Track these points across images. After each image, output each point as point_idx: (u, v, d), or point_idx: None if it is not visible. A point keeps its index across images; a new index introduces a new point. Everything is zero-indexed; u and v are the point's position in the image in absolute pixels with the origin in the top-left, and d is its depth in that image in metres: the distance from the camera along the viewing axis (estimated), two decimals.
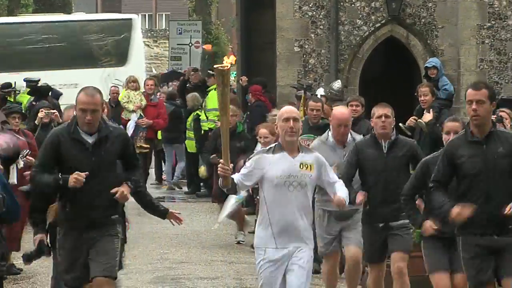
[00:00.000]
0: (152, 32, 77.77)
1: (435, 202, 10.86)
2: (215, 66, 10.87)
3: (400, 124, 19.08)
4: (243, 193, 17.28)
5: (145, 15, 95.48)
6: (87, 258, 10.79)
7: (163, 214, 11.76)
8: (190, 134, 28.88)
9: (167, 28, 59.56)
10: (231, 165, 10.52)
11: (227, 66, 10.60)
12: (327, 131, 14.10)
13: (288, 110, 11.10)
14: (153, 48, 72.08)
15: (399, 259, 12.92)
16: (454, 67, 29.05)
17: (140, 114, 26.86)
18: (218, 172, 10.48)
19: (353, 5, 29.87)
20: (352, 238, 13.97)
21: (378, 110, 12.39)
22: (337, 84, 25.66)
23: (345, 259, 14.14)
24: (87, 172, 10.46)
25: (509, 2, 29.38)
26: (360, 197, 12.05)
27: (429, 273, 11.77)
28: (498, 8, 29.14)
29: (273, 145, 11.12)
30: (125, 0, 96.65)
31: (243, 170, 10.89)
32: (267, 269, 10.74)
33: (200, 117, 28.97)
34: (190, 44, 42.95)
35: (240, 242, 20.73)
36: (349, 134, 13.61)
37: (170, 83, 36.81)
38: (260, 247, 10.84)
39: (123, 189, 10.65)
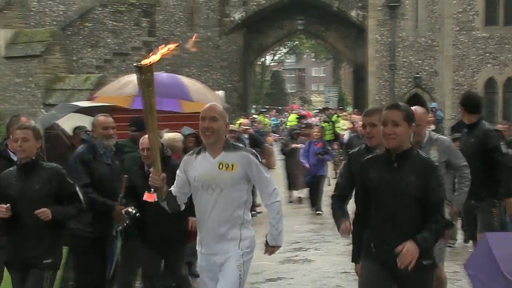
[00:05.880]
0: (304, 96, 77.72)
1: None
2: (134, 64, 4.63)
3: None
4: None
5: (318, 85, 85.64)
6: None
7: None
8: None
9: (322, 90, 62.80)
10: (164, 175, 4.77)
11: (148, 62, 4.45)
12: None
13: (206, 108, 5.02)
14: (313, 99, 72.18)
15: None
16: None
17: None
18: (149, 183, 4.79)
19: None
20: None
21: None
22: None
23: None
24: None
25: None
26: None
27: None
28: None
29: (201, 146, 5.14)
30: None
31: (176, 178, 5.10)
32: (201, 274, 5.21)
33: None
34: (333, 97, 45.06)
35: None
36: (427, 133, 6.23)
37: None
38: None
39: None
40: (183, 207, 5.13)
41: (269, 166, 17.42)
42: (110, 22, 23.89)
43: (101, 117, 6.67)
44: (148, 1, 25.21)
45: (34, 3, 24.35)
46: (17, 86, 19.81)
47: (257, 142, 13.97)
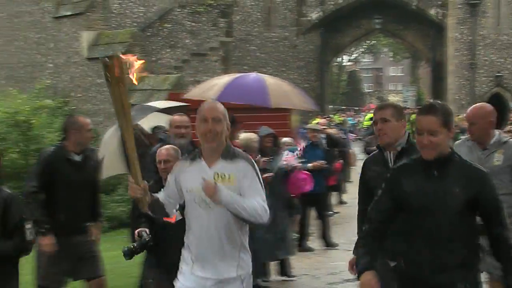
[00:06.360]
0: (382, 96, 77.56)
1: None
2: (100, 57, 4.50)
3: None
4: None
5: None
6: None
7: None
8: None
9: (400, 90, 60.87)
10: (145, 183, 4.10)
11: (118, 58, 3.81)
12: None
13: (207, 107, 4.24)
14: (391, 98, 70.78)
15: None
16: None
17: None
18: (128, 193, 4.17)
19: None
20: None
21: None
22: None
23: None
24: None
25: None
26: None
27: None
28: None
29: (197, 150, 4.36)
30: None
31: (166, 183, 4.44)
32: None
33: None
34: (412, 96, 44.32)
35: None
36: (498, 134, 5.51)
37: None
38: (179, 272, 4.34)
39: None
40: (173, 215, 4.41)
41: (350, 165, 17.27)
42: (189, 22, 24.11)
43: (176, 116, 6.73)
44: (225, 2, 25.34)
45: (116, 5, 24.82)
46: (99, 87, 20.22)
47: (334, 142, 13.81)
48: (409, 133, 4.77)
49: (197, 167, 4.22)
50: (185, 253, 4.32)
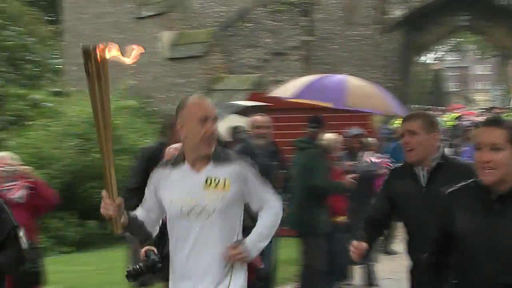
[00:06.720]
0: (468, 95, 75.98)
1: None
2: (81, 46, 3.23)
3: None
4: None
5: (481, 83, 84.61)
6: None
7: None
8: None
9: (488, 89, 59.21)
10: (120, 200, 3.43)
11: (100, 49, 3.30)
12: None
13: (203, 105, 3.60)
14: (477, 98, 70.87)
15: None
16: None
17: None
18: (101, 211, 3.43)
19: None
20: None
21: None
22: None
23: None
24: None
25: None
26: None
27: None
28: None
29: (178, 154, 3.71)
30: None
31: (144, 196, 3.83)
32: None
33: None
34: (501, 96, 43.59)
35: None
36: None
37: None
38: None
39: None
40: (155, 234, 3.87)
41: None
42: (269, 21, 24.14)
43: (257, 117, 6.82)
44: (307, 0, 25.24)
45: (197, 5, 25.10)
46: (179, 87, 20.45)
47: None
48: (443, 147, 4.20)
49: (181, 173, 3.66)
50: (170, 272, 3.76)
